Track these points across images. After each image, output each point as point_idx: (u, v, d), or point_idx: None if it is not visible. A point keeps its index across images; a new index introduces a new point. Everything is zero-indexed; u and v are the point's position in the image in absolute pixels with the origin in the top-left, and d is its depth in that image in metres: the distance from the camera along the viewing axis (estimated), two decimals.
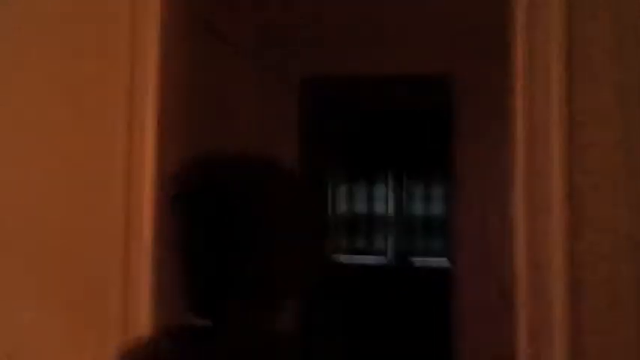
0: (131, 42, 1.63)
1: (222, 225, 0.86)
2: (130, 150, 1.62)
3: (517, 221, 1.59)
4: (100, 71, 1.64)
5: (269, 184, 0.91)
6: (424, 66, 2.98)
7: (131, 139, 1.62)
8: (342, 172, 5.68)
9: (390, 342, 5.11)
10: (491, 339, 2.23)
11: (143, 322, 1.58)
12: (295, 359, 0.89)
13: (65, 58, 1.66)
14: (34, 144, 1.66)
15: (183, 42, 1.76)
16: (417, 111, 5.24)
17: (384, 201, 5.63)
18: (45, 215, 1.65)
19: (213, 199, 0.87)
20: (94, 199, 1.63)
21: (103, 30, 1.65)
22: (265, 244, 0.88)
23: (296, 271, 0.93)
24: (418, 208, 5.60)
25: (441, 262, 4.90)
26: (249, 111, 2.88)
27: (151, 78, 1.63)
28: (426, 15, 2.78)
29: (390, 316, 5.29)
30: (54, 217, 1.65)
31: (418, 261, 5.40)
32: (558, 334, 1.52)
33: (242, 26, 2.87)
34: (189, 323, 0.88)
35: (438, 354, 3.33)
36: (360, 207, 5.67)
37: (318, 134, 5.33)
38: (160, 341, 0.93)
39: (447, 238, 4.66)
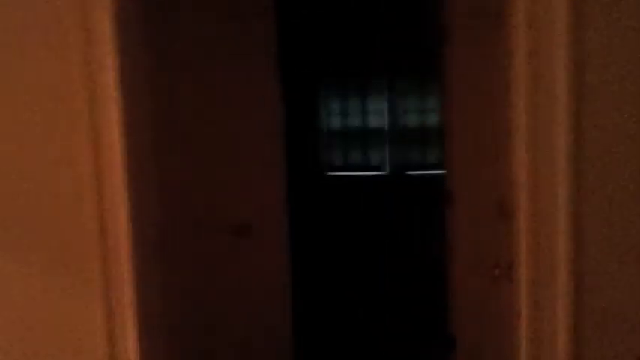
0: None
1: None
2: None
3: (518, 131, 1.48)
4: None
5: None
6: None
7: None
8: (333, 87, 5.50)
9: (387, 261, 5.17)
10: (486, 250, 2.18)
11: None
12: None
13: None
14: None
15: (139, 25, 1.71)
16: (408, 15, 5.04)
17: (378, 114, 5.48)
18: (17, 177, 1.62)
19: None
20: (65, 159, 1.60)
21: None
22: None
23: None
24: (413, 120, 5.45)
25: (438, 174, 4.83)
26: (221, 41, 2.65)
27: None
28: None
29: (386, 232, 5.31)
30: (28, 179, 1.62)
31: (415, 174, 5.35)
32: (561, 245, 1.45)
33: None
34: None
35: (433, 268, 3.33)
36: (355, 121, 5.53)
37: (304, 49, 5.10)
38: None
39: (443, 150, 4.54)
